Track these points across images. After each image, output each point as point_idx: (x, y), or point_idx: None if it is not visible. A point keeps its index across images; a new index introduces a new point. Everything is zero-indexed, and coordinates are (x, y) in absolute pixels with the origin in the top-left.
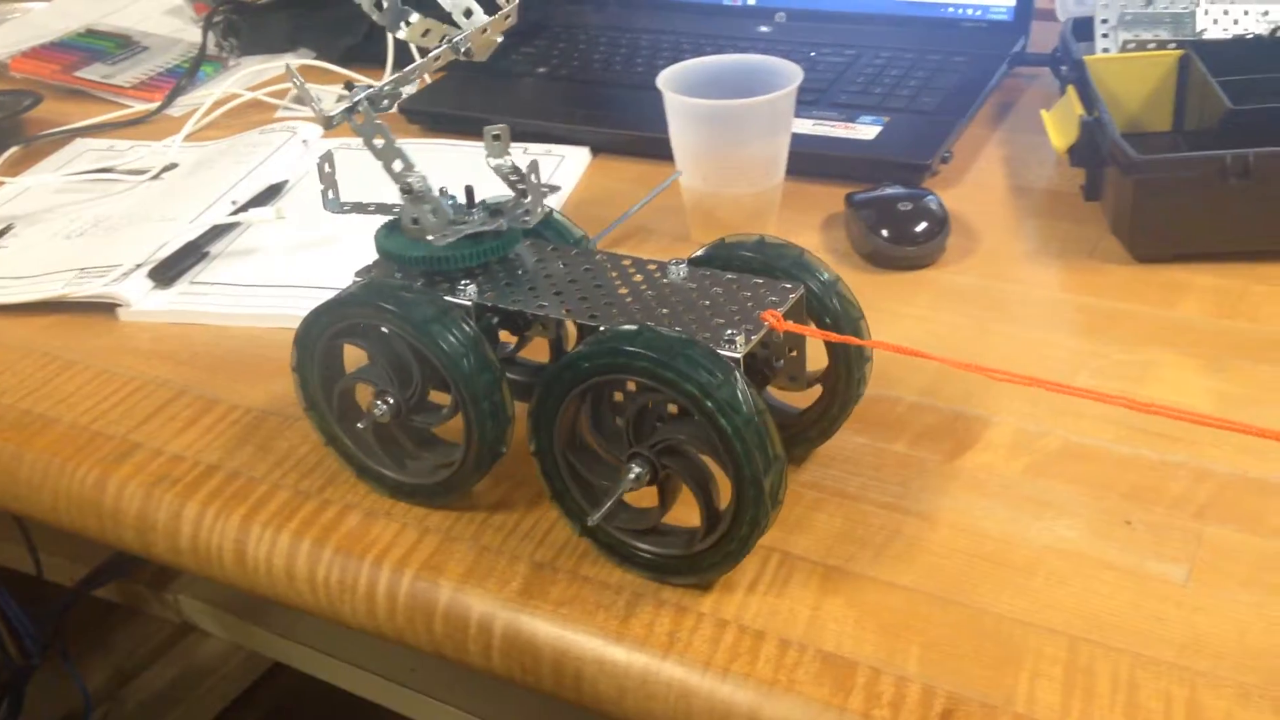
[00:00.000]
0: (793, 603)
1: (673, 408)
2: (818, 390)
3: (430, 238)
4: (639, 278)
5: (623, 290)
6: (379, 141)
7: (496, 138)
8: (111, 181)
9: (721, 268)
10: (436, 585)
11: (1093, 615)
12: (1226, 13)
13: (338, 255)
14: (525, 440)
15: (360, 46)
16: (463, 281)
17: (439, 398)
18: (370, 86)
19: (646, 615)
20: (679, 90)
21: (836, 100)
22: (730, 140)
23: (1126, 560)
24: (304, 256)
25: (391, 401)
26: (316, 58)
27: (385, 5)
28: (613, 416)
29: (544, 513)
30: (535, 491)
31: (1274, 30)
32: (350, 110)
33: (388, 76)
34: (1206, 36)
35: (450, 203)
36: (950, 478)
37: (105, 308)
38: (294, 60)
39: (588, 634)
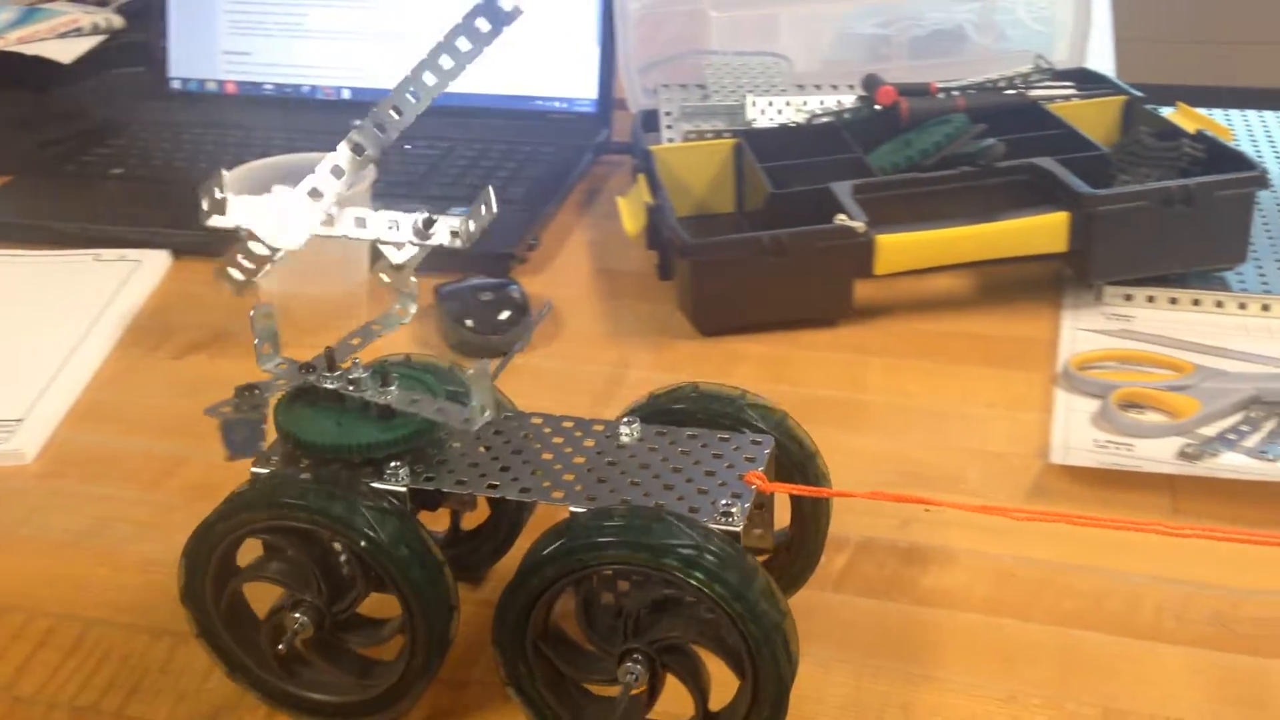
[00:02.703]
0: None
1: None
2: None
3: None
4: (590, 442)
5: (578, 459)
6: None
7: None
8: None
9: (663, 422)
10: None
11: None
12: (771, 104)
13: None
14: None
15: None
16: (391, 464)
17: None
18: None
19: None
20: (249, 191)
21: (429, 193)
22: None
23: None
24: None
25: (313, 613)
26: None
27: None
28: (597, 606)
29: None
30: (487, 691)
31: (810, 119)
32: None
33: None
34: (756, 126)
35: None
36: None
37: None
38: None
39: None
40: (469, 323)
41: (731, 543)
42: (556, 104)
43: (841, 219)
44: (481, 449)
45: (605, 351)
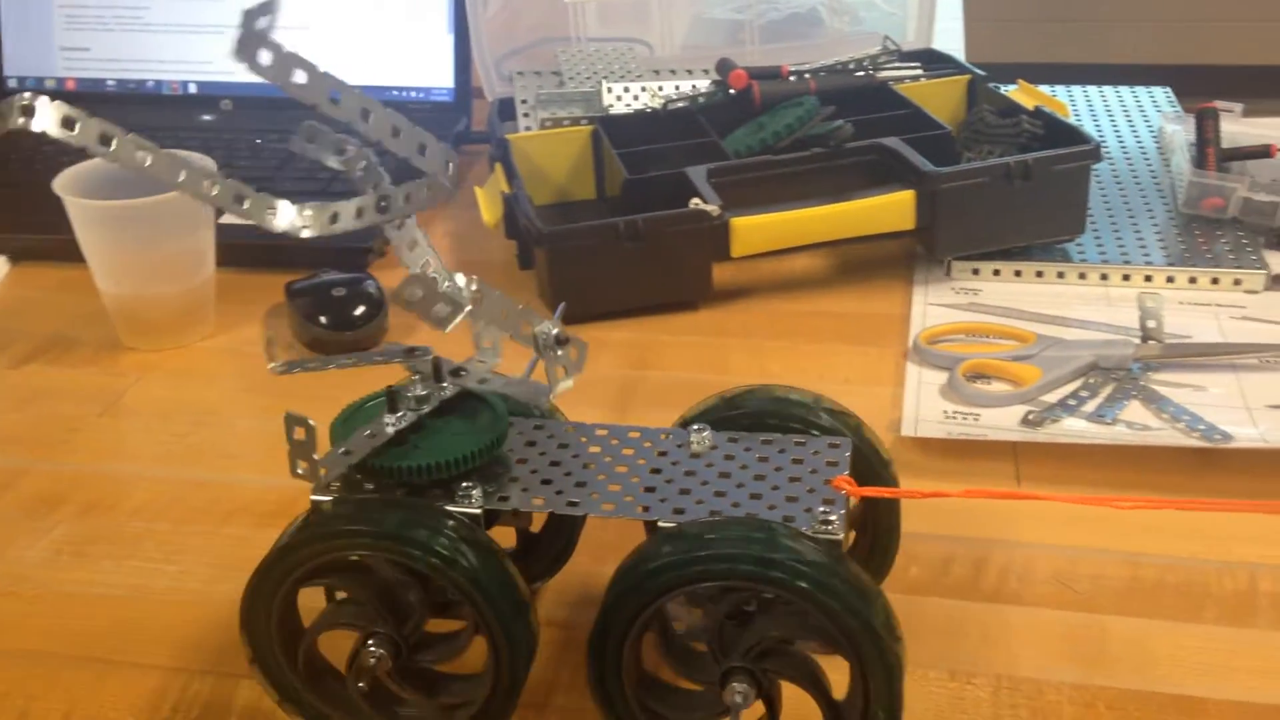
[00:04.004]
0: None
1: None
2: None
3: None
4: (661, 452)
5: (654, 471)
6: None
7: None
8: None
9: (730, 427)
10: None
11: None
12: (627, 90)
13: None
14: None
15: None
16: (462, 485)
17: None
18: None
19: None
20: (84, 192)
21: (280, 188)
22: (143, 240)
23: None
24: None
25: (390, 644)
26: None
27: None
28: (673, 637)
29: None
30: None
31: (666, 104)
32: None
33: None
34: (613, 112)
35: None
36: None
37: None
38: None
39: None
40: (322, 319)
41: (836, 551)
42: (413, 94)
43: (696, 203)
44: (549, 463)
45: (467, 342)
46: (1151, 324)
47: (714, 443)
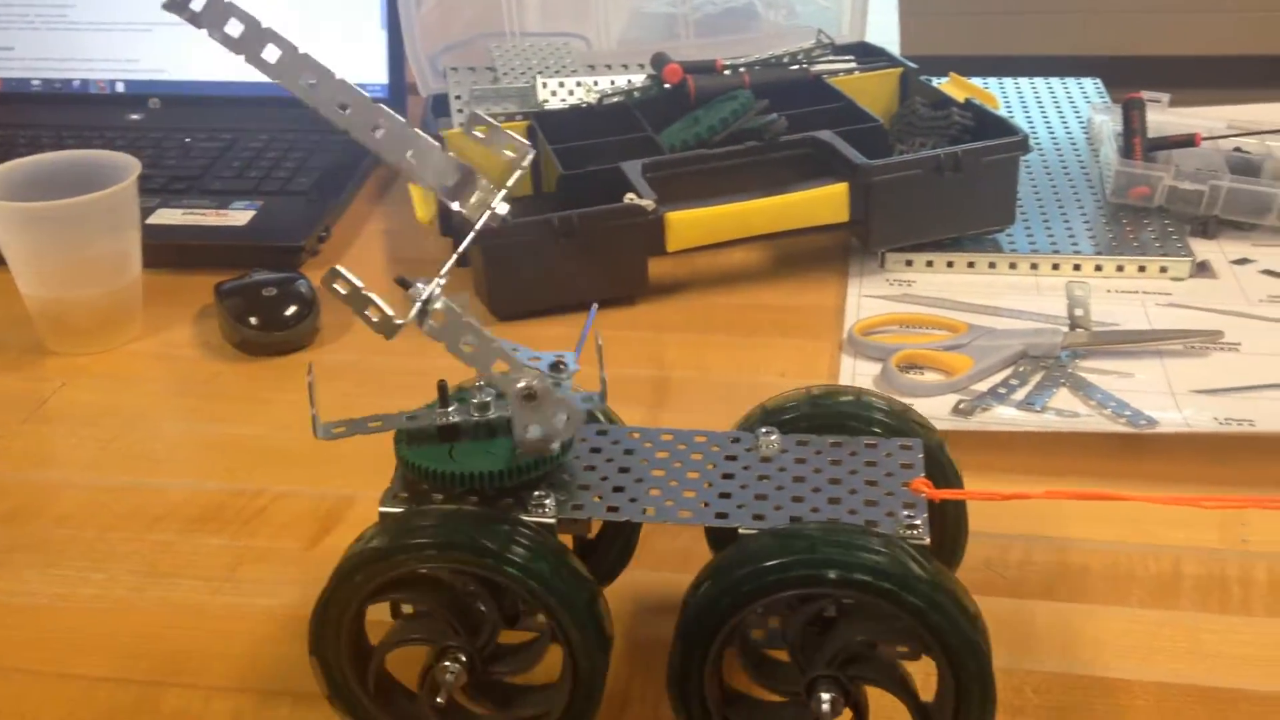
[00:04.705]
0: None
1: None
2: None
3: (554, 444)
4: (730, 456)
5: (726, 476)
6: (470, 342)
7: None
8: None
9: (805, 430)
10: None
11: None
12: (562, 85)
13: None
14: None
15: None
16: (534, 494)
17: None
18: (430, 279)
19: None
20: (4, 194)
21: (210, 187)
22: (67, 242)
23: None
24: None
25: (464, 658)
26: None
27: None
28: (753, 650)
29: None
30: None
31: (601, 99)
32: (424, 312)
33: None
34: (548, 107)
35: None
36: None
37: None
38: None
39: None
40: (252, 320)
41: (925, 556)
42: None
43: (631, 198)
44: (618, 470)
45: (403, 340)
46: (1079, 312)
47: (783, 446)
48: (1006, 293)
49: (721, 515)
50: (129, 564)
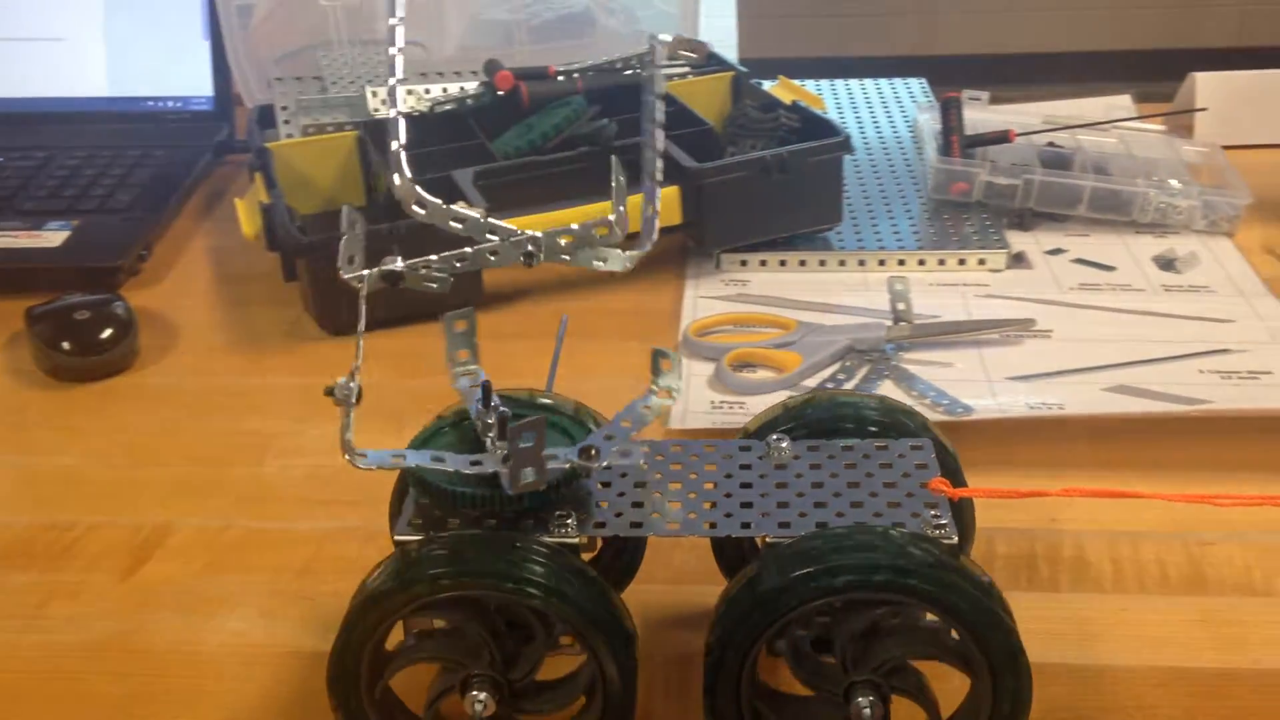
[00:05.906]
0: None
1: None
2: None
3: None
4: (745, 465)
5: (745, 485)
6: None
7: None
8: None
9: (816, 435)
10: None
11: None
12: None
13: None
14: None
15: None
16: (555, 514)
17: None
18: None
19: None
20: None
21: (22, 208)
22: None
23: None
24: None
25: (490, 686)
26: None
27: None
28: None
29: None
30: None
31: (432, 106)
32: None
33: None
34: (379, 116)
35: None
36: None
37: None
38: None
39: None
40: (65, 345)
41: (954, 555)
42: (171, 103)
43: (462, 205)
44: (633, 484)
45: (228, 360)
46: (901, 306)
47: (795, 452)
48: (836, 290)
49: (746, 525)
50: None
